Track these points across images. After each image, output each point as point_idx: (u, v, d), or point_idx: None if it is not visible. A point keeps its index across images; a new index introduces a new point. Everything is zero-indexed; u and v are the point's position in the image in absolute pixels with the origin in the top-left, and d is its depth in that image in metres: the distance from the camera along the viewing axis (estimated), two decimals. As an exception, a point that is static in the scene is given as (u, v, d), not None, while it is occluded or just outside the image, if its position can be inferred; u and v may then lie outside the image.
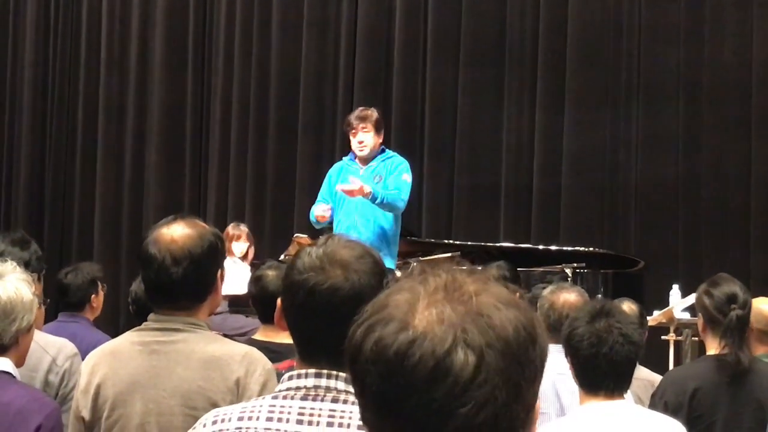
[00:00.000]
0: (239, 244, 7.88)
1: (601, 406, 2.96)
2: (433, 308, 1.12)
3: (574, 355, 3.02)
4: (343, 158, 6.78)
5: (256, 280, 4.11)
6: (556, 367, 3.73)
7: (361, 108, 6.69)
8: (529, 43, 8.85)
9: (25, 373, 2.97)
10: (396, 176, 6.46)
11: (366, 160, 6.54)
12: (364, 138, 6.45)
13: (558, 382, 3.83)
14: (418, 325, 1.11)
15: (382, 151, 6.59)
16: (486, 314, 1.12)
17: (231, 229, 7.86)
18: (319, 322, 1.83)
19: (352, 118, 6.55)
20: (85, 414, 2.60)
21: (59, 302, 4.89)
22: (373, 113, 6.54)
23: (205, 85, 10.09)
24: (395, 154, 6.66)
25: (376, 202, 6.27)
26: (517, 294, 1.22)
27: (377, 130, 6.49)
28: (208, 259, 2.58)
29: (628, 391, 3.06)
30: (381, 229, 6.43)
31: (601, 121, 8.55)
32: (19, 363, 2.82)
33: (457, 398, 1.08)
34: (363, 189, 6.20)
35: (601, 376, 2.96)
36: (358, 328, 1.15)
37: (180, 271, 2.54)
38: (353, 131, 6.50)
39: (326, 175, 6.76)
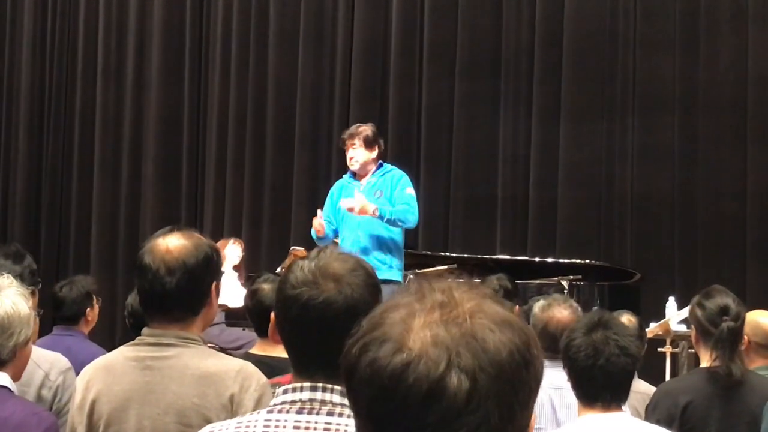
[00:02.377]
0: (235, 247, 7.90)
1: (597, 418, 2.95)
2: (428, 330, 1.13)
3: (571, 366, 3.02)
4: (344, 176, 6.85)
5: (251, 294, 4.11)
6: (552, 382, 3.74)
7: (355, 125, 6.83)
8: (525, 54, 8.87)
9: (18, 389, 2.95)
10: (399, 191, 6.54)
11: (364, 176, 6.64)
12: (354, 154, 6.63)
13: (554, 397, 3.82)
14: (413, 347, 1.11)
15: (380, 165, 6.68)
16: (480, 337, 1.12)
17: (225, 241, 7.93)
18: (313, 335, 1.83)
19: (345, 134, 6.75)
20: (81, 430, 2.60)
21: (54, 316, 4.89)
22: (365, 130, 6.67)
23: (201, 97, 10.10)
24: (393, 167, 6.75)
25: (384, 219, 6.36)
26: (516, 308, 1.23)
27: (367, 145, 6.61)
28: (202, 271, 2.57)
29: (626, 403, 3.06)
30: (385, 242, 6.48)
31: (597, 132, 8.55)
32: (16, 377, 2.82)
33: (449, 423, 1.09)
34: (367, 208, 6.26)
35: (598, 387, 2.96)
36: (353, 346, 1.16)
37: (174, 282, 2.53)
38: (345, 147, 6.69)
39: (328, 193, 6.84)
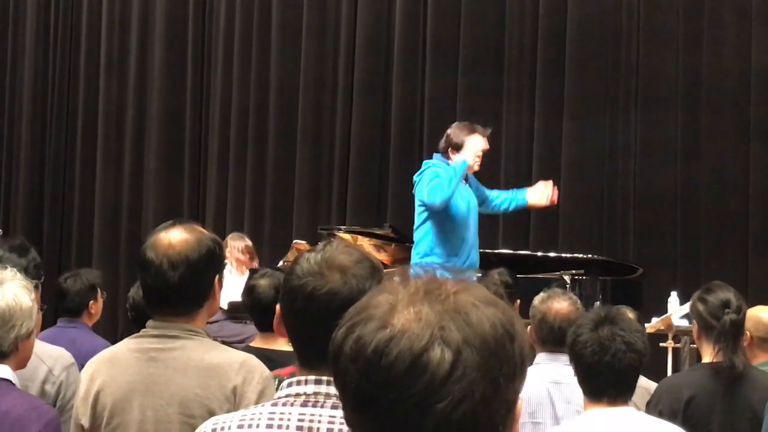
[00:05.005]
0: (237, 245, 7.91)
1: (603, 412, 2.96)
2: (411, 307, 1.15)
3: (577, 362, 3.03)
4: (442, 163, 6.70)
5: (249, 290, 4.12)
6: (551, 376, 3.75)
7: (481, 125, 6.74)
8: (528, 49, 8.85)
9: (21, 383, 2.95)
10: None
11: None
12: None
13: (553, 392, 3.83)
14: (396, 324, 1.14)
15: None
16: (463, 312, 1.14)
17: (235, 241, 7.95)
18: (317, 326, 1.82)
19: (488, 132, 6.74)
20: (85, 422, 2.60)
21: (58, 307, 4.89)
22: None
23: (204, 91, 10.09)
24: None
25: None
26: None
27: None
28: (205, 265, 2.58)
29: (631, 399, 3.06)
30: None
31: (600, 128, 8.54)
32: (19, 369, 2.81)
33: (434, 394, 1.10)
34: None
35: (604, 383, 2.97)
36: (340, 329, 1.19)
37: (177, 276, 2.54)
38: (485, 148, 6.68)
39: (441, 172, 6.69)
